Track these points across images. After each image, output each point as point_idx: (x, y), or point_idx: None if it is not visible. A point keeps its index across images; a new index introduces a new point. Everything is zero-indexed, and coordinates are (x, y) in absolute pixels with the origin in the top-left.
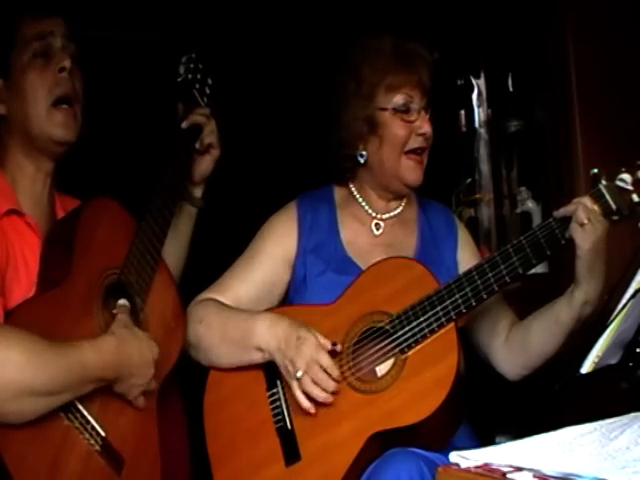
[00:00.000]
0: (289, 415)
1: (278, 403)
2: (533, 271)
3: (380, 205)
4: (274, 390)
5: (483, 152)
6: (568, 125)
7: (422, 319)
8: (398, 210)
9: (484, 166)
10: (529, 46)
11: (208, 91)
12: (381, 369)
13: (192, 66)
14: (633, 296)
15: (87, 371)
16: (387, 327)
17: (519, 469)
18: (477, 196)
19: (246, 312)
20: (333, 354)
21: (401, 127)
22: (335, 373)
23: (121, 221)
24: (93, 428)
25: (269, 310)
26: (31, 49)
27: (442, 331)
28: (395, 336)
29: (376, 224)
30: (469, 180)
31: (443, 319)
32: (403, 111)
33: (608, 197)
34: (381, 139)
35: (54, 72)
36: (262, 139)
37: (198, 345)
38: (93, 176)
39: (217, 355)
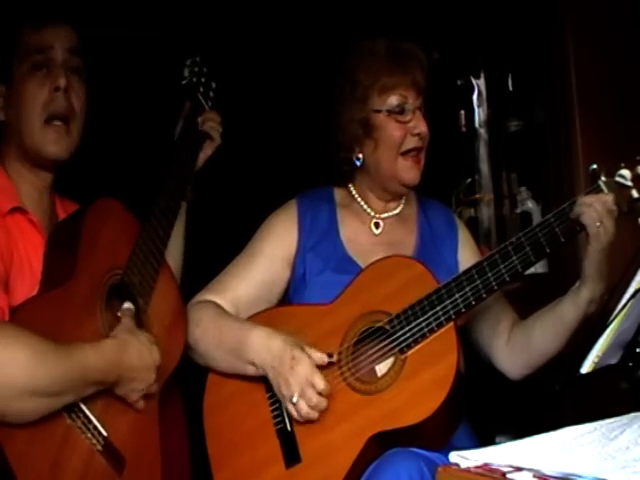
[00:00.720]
0: (289, 417)
1: (278, 405)
2: (533, 271)
3: (379, 205)
4: (274, 392)
5: (483, 152)
6: (568, 125)
7: (421, 319)
8: (398, 209)
9: (484, 166)
10: (529, 46)
11: (212, 94)
12: (381, 369)
13: (197, 69)
14: (633, 296)
15: (88, 373)
16: (386, 327)
17: (519, 469)
18: (477, 196)
19: (242, 323)
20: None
21: (396, 128)
22: (328, 391)
23: (125, 222)
24: (95, 428)
25: (268, 310)
26: (31, 60)
27: (442, 331)
28: (395, 336)
29: (375, 223)
30: (469, 180)
31: (442, 319)
32: (397, 112)
33: (608, 194)
34: (376, 141)
35: (50, 89)
36: (262, 138)
37: (195, 348)
38: (97, 177)
39: (213, 360)
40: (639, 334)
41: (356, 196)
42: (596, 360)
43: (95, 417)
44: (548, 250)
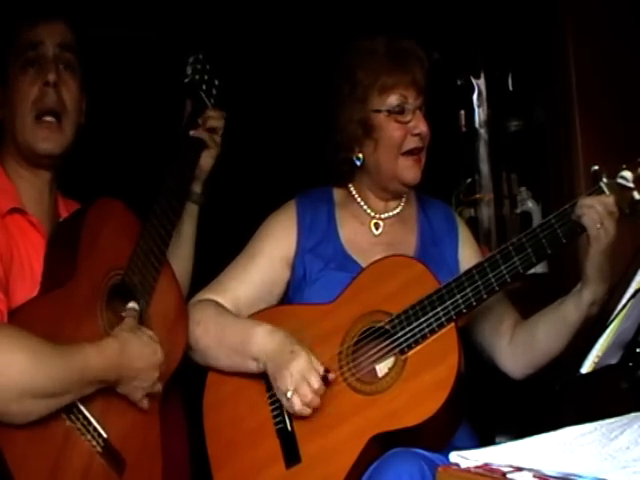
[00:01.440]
0: (289, 417)
1: (278, 404)
2: (533, 271)
3: (379, 205)
4: (274, 391)
5: (483, 152)
6: (568, 125)
7: (422, 319)
8: (398, 209)
9: (484, 166)
10: (529, 46)
11: (215, 92)
12: (381, 369)
13: (199, 67)
14: (633, 296)
15: (89, 373)
16: (387, 327)
17: (519, 469)
18: (477, 196)
19: (244, 320)
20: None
21: (396, 129)
22: (322, 392)
23: (126, 222)
24: (95, 429)
25: (268, 309)
26: (23, 57)
27: (442, 331)
28: (395, 336)
29: (375, 224)
30: (469, 180)
31: (443, 319)
32: (397, 112)
33: (609, 195)
34: (377, 141)
35: (40, 84)
36: (262, 139)
37: (195, 347)
38: (98, 176)
39: (214, 359)
40: (639, 334)
41: (356, 196)
42: (596, 360)
43: (95, 418)
44: (549, 251)
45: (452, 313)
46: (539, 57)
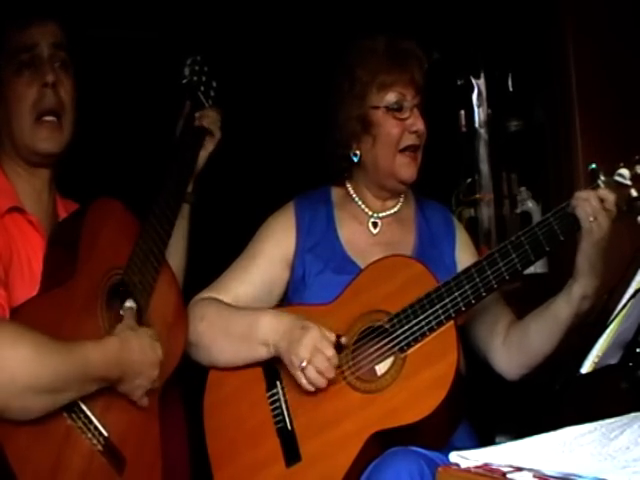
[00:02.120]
0: (289, 416)
1: (278, 404)
2: (533, 271)
3: (377, 204)
4: (274, 390)
5: (483, 152)
6: (568, 125)
7: (421, 317)
8: (395, 209)
9: (484, 166)
10: (529, 46)
11: (213, 93)
12: (380, 368)
13: (197, 68)
14: (633, 296)
15: (90, 370)
16: (386, 326)
17: (519, 469)
18: (477, 196)
19: (248, 309)
20: (338, 349)
21: (394, 125)
22: (336, 362)
23: (125, 222)
24: (96, 428)
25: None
26: (18, 61)
27: (441, 329)
28: (394, 335)
29: (373, 223)
30: (469, 180)
31: (442, 317)
32: (395, 109)
33: (606, 191)
34: (374, 138)
35: (38, 86)
36: (261, 140)
37: (198, 343)
38: (97, 177)
39: (219, 351)
40: (639, 334)
41: (353, 195)
42: (596, 360)
43: (96, 417)
44: (547, 248)
45: (451, 311)
46: (539, 57)
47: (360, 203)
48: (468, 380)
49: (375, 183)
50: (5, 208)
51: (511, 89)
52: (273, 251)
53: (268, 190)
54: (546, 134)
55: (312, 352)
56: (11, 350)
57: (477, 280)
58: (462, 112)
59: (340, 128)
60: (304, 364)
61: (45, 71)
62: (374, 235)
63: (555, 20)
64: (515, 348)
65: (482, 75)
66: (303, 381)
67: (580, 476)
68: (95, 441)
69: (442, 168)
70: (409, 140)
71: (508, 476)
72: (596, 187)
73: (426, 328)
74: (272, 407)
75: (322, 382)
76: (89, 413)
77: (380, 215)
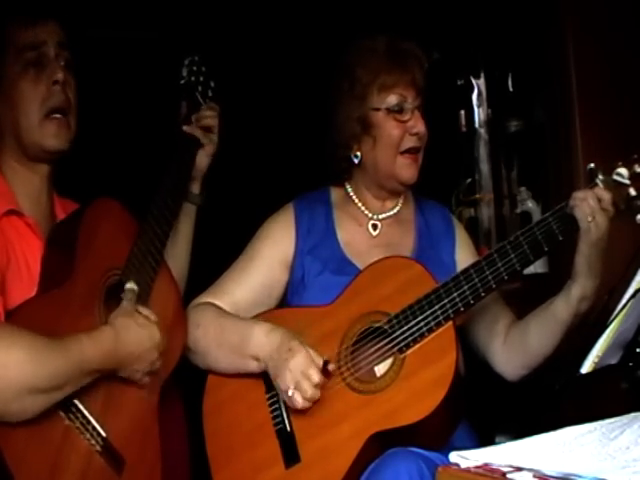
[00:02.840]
0: (288, 417)
1: (277, 405)
2: (533, 271)
3: (376, 205)
4: (273, 392)
5: (483, 152)
6: (568, 125)
7: (420, 318)
8: (395, 210)
9: (484, 166)
10: (529, 46)
11: (211, 94)
12: (380, 369)
13: (195, 69)
14: (633, 296)
15: (86, 363)
16: (385, 327)
17: (519, 469)
18: (477, 196)
19: (244, 320)
20: (326, 373)
21: (395, 127)
22: (322, 383)
23: (123, 222)
24: (94, 428)
25: (267, 312)
26: (24, 59)
27: (440, 330)
28: (393, 336)
29: (373, 225)
30: (469, 180)
31: (441, 318)
32: (396, 111)
33: (604, 191)
34: (375, 139)
35: (47, 84)
36: (259, 141)
37: (195, 350)
38: (95, 177)
39: (214, 361)
40: (639, 334)
41: (353, 196)
42: (596, 360)
43: (94, 417)
44: (546, 248)
45: (450, 312)
46: (539, 57)
47: (360, 204)
48: (468, 380)
49: (375, 184)
50: (2, 211)
51: (511, 89)
52: (272, 253)
53: (267, 191)
54: (546, 134)
55: (298, 377)
56: (5, 354)
57: (476, 281)
58: (462, 112)
59: (340, 129)
60: (290, 393)
61: (54, 69)
62: (374, 237)
63: (555, 20)
64: (515, 348)
65: (482, 75)
66: (289, 403)
67: (580, 476)
68: (93, 442)
69: (442, 168)
70: (410, 142)
71: (508, 476)
72: (594, 186)
73: (425, 329)
74: (271, 409)
75: (309, 404)
76: (87, 413)
77: (380, 217)
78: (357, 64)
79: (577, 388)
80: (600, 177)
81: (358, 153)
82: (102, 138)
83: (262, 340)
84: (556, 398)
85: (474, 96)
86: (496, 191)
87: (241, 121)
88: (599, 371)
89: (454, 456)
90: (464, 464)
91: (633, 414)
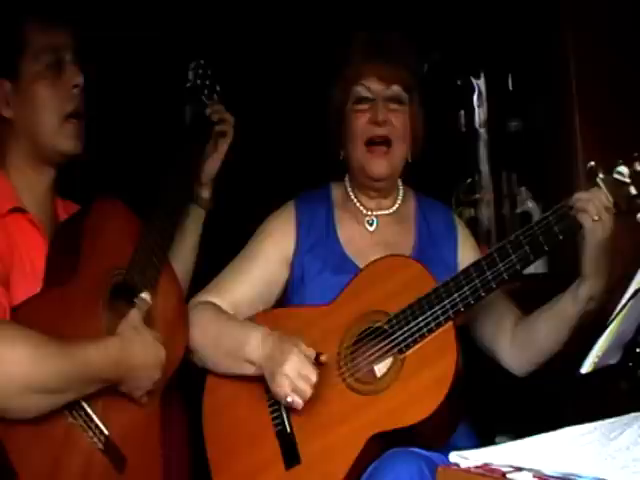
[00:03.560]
0: (288, 418)
1: (277, 406)
2: (533, 271)
3: (371, 203)
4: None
5: (483, 152)
6: (568, 125)
7: (420, 318)
8: (393, 208)
9: (484, 166)
10: (529, 46)
11: (216, 97)
12: (380, 369)
13: (201, 72)
14: (633, 296)
15: (90, 371)
16: (385, 327)
17: (519, 469)
18: (477, 196)
19: (241, 323)
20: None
21: (356, 118)
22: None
23: (127, 221)
24: (97, 426)
25: (267, 312)
26: (43, 60)
27: (440, 330)
28: (393, 336)
29: (369, 221)
30: (469, 180)
31: (441, 318)
32: (359, 101)
33: (605, 191)
34: (345, 134)
35: (67, 87)
36: (261, 140)
37: (194, 349)
38: (99, 177)
39: (212, 362)
40: (639, 334)
41: (351, 194)
42: (596, 360)
43: (97, 415)
44: (547, 248)
45: (450, 312)
46: (539, 57)
47: (356, 202)
48: (468, 380)
49: (356, 182)
50: (6, 209)
51: (511, 89)
52: (272, 251)
53: (269, 189)
54: (546, 134)
55: (295, 380)
56: (9, 351)
57: (476, 280)
58: (462, 112)
59: (328, 128)
60: (289, 399)
61: (74, 73)
62: (371, 234)
63: (555, 20)
64: (523, 345)
65: (482, 75)
66: (288, 406)
67: (580, 476)
68: (96, 439)
69: (442, 168)
70: (372, 131)
71: (508, 476)
72: (596, 186)
73: (425, 329)
74: (271, 410)
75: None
76: (90, 411)
77: (376, 214)
78: (342, 60)
79: (577, 388)
80: (600, 176)
81: (341, 151)
82: (106, 138)
83: (256, 347)
84: (556, 398)
85: (474, 96)
86: (496, 191)
87: (243, 120)
88: (599, 371)
89: (454, 456)
90: (464, 464)
91: (633, 414)
